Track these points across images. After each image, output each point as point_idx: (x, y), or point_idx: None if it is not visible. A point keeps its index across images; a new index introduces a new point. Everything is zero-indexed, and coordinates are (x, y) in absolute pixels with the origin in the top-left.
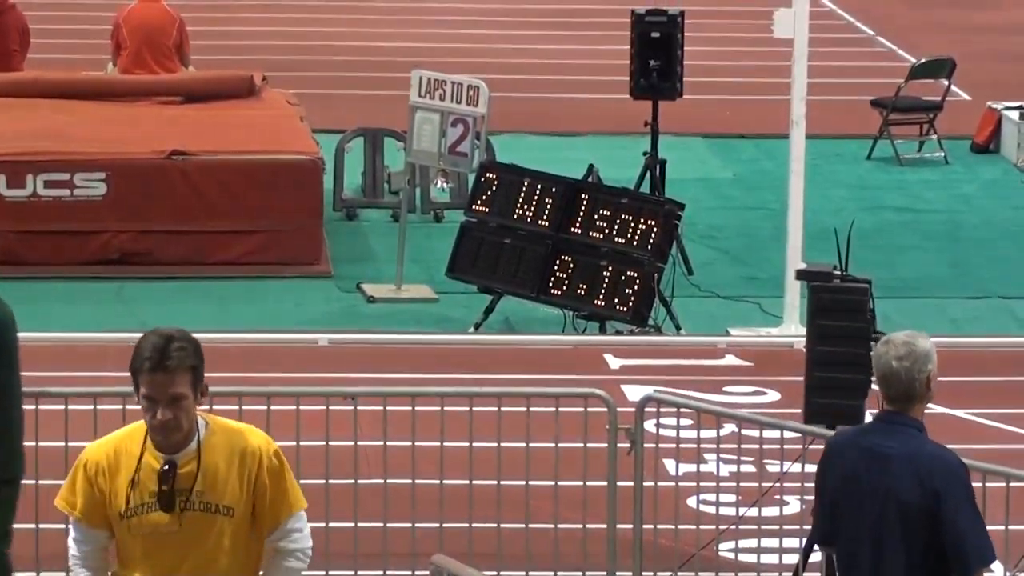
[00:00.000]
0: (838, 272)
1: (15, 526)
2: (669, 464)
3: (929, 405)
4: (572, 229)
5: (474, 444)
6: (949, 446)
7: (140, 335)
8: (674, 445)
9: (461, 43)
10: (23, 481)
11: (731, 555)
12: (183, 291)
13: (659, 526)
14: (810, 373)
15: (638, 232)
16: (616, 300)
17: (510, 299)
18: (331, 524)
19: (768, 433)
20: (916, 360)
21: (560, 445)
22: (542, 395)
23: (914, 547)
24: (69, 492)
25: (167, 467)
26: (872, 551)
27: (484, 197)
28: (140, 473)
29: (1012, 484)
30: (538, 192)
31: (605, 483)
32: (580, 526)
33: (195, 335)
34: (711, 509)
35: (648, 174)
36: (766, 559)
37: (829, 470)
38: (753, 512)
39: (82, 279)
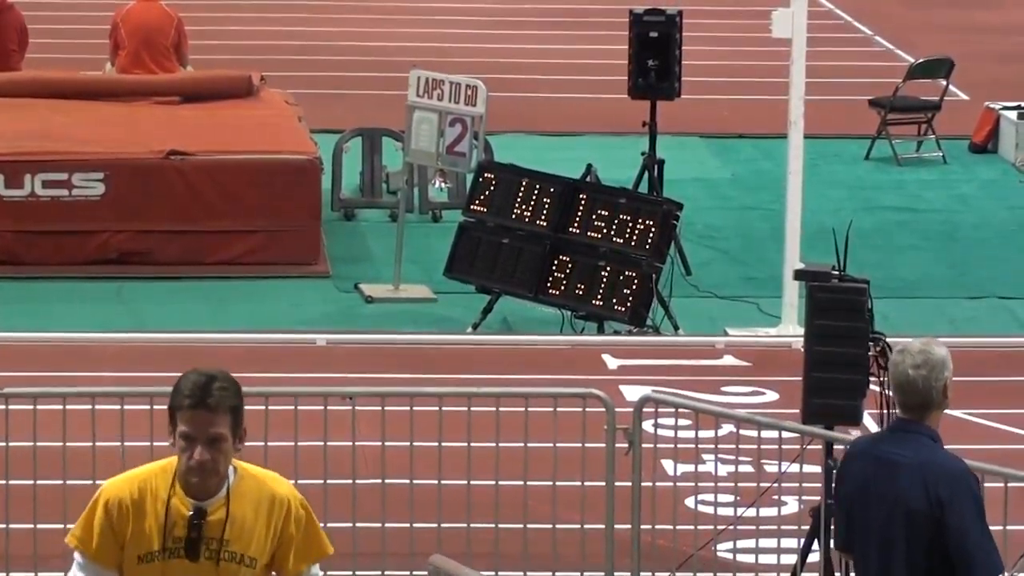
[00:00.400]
0: (836, 272)
1: (14, 526)
2: (667, 464)
3: None
4: (570, 229)
5: (472, 444)
6: (946, 446)
7: (139, 334)
8: (672, 445)
9: (459, 43)
10: (21, 482)
11: (729, 555)
12: (181, 291)
13: (657, 526)
14: (808, 373)
15: (636, 232)
16: (614, 300)
17: (508, 299)
18: (329, 524)
19: (766, 433)
20: (933, 368)
21: (558, 445)
22: (540, 395)
23: (920, 555)
24: (84, 530)
25: (196, 513)
26: (879, 558)
27: (482, 197)
28: (167, 516)
29: (1010, 484)
30: (536, 192)
31: (603, 483)
32: (578, 526)
33: (191, 335)
34: (709, 509)
35: (646, 174)
36: (764, 559)
37: (846, 477)
38: (751, 512)
39: (80, 279)
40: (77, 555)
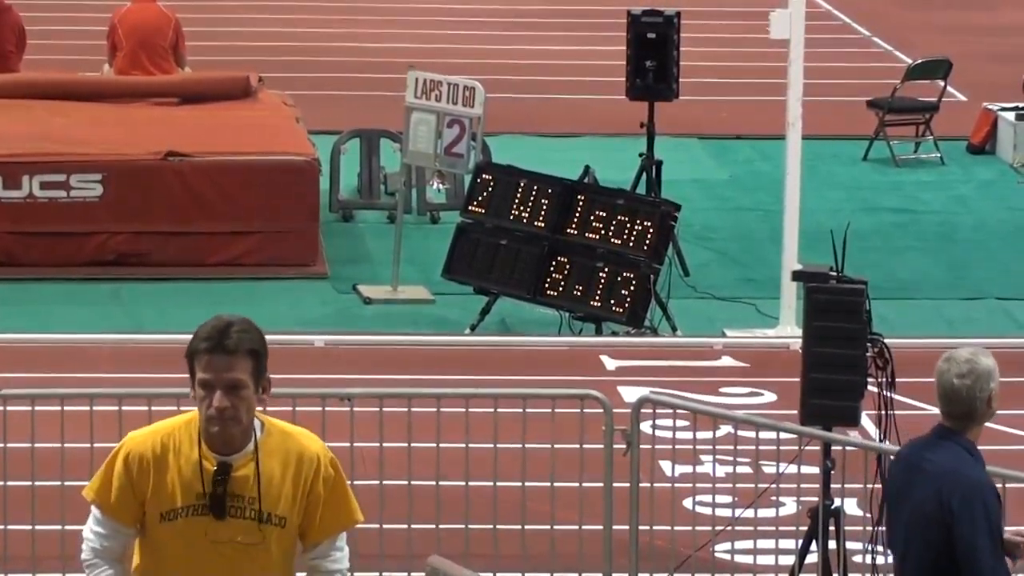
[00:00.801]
0: (834, 273)
1: (12, 527)
2: (665, 465)
3: (926, 406)
4: (568, 230)
5: (470, 445)
6: None
7: (137, 335)
8: (670, 446)
9: (457, 44)
10: (19, 483)
11: (727, 556)
12: (179, 292)
13: (655, 527)
14: (806, 374)
15: (634, 233)
16: (612, 301)
17: (506, 300)
18: None
19: (764, 434)
20: (978, 378)
21: (556, 446)
22: (538, 396)
23: (931, 561)
24: (102, 483)
25: (220, 468)
26: (899, 559)
27: (480, 198)
28: (190, 472)
29: (1008, 485)
30: (534, 193)
31: (601, 484)
32: (576, 527)
33: (190, 336)
34: (707, 510)
35: (644, 175)
36: (762, 560)
37: (888, 479)
38: (749, 513)
39: (78, 280)
40: (94, 508)
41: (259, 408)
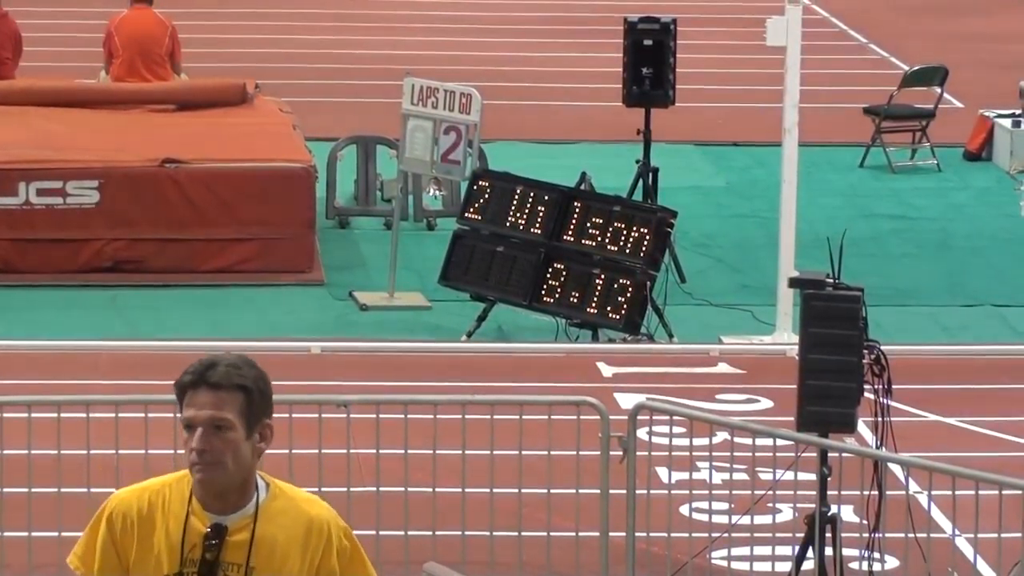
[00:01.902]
0: (831, 280)
1: (8, 534)
2: (662, 472)
3: (922, 413)
4: (565, 237)
5: (467, 452)
6: (941, 454)
7: (133, 342)
8: (667, 453)
9: (453, 51)
10: (15, 490)
11: (724, 563)
12: (176, 299)
13: (652, 534)
14: (803, 381)
15: (631, 240)
16: (608, 308)
17: (503, 307)
18: None
19: (761, 441)
20: None
21: (553, 453)
22: (535, 403)
23: None
24: (86, 549)
25: (213, 531)
26: None
27: (476, 205)
28: (179, 534)
29: (1005, 492)
30: (531, 200)
31: (598, 491)
32: (573, 534)
33: (186, 343)
34: (704, 517)
35: (641, 182)
36: (759, 567)
37: None
38: (746, 520)
39: (75, 287)
40: None
41: (257, 458)
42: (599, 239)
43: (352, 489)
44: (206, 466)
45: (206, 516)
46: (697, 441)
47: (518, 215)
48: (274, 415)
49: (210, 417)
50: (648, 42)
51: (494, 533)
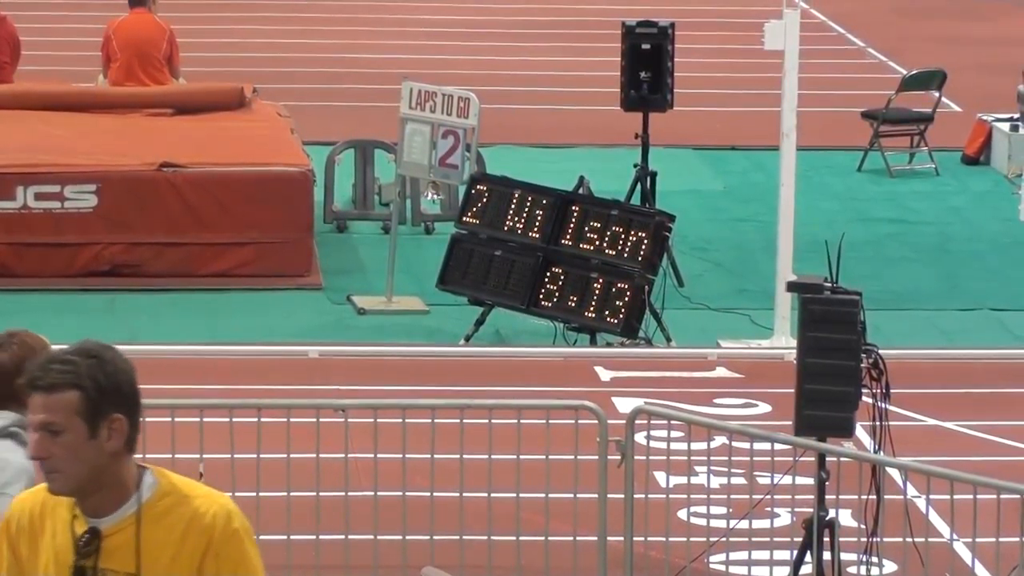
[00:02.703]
0: (829, 284)
1: None
2: (660, 476)
3: (920, 417)
4: (563, 241)
5: (465, 456)
6: (939, 458)
7: (131, 346)
8: (665, 457)
9: (452, 55)
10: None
11: (722, 567)
12: (173, 303)
13: (650, 538)
14: (801, 385)
15: (629, 244)
16: (607, 312)
17: (501, 311)
18: (321, 536)
19: (759, 445)
20: None
21: (551, 457)
22: (533, 407)
23: None
24: None
25: (88, 536)
26: None
27: (474, 209)
28: (63, 539)
29: (1003, 496)
30: (529, 204)
31: (596, 495)
32: (571, 538)
33: (184, 347)
34: (702, 521)
35: (639, 186)
36: (757, 572)
37: None
38: (744, 524)
39: (72, 291)
40: None
41: (115, 457)
42: (597, 243)
43: (350, 493)
44: (47, 474)
45: (85, 520)
46: (695, 445)
47: (516, 219)
48: (272, 420)
49: (41, 422)
50: (646, 46)
51: (492, 537)
